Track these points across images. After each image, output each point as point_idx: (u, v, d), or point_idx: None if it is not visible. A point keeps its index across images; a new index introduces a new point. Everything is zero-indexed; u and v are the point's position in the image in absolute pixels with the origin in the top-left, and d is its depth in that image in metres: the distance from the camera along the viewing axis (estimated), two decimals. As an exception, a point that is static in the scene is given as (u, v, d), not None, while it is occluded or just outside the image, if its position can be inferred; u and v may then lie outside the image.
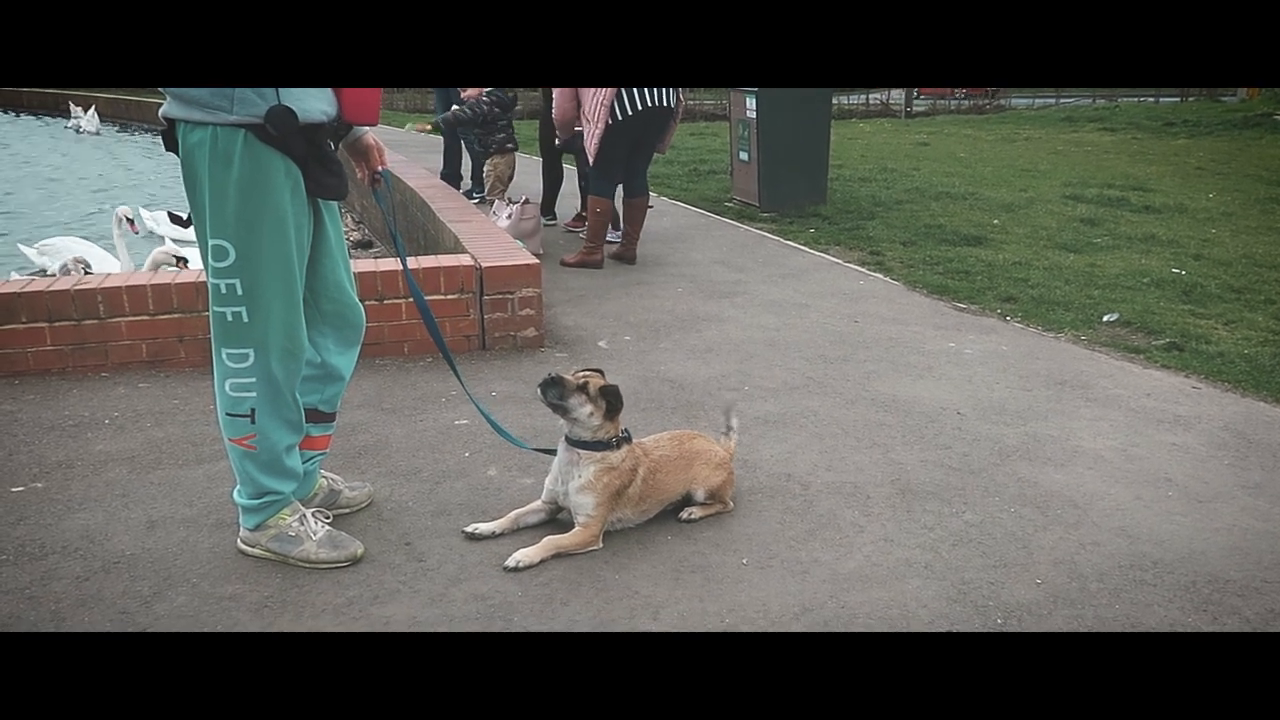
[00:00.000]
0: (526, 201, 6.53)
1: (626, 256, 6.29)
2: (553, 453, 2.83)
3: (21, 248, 7.17)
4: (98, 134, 18.01)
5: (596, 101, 5.73)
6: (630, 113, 5.75)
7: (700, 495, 2.87)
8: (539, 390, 2.67)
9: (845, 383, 4.06)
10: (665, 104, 5.87)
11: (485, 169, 6.86)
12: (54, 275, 5.26)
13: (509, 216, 6.27)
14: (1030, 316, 5.16)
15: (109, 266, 6.03)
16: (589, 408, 2.66)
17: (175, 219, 7.26)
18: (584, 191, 7.39)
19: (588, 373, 2.74)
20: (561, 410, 2.67)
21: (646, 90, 5.75)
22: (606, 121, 5.73)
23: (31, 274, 6.12)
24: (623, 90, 5.69)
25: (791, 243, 7.05)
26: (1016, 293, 5.60)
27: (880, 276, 6.06)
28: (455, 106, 7.15)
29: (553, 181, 7.64)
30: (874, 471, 3.21)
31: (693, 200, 8.98)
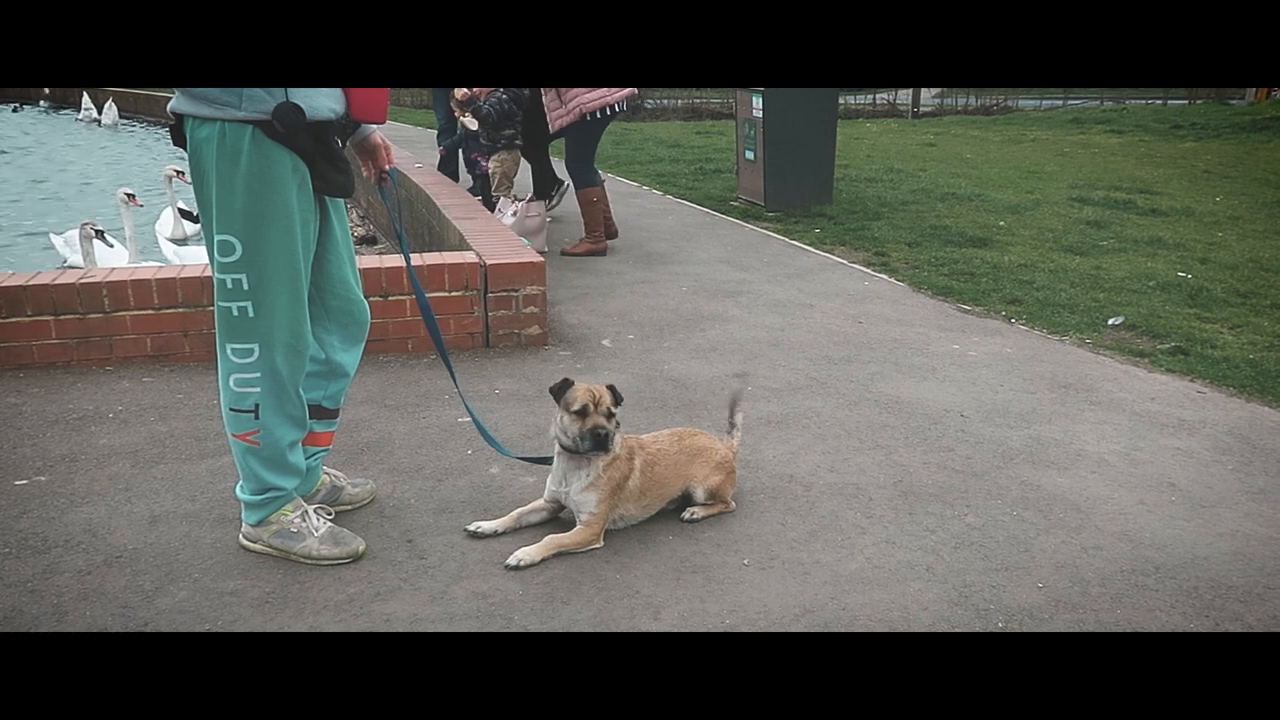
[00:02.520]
0: (531, 199, 6.53)
1: (579, 251, 6.50)
2: (541, 461, 2.89)
3: (53, 237, 7.30)
4: (115, 128, 18.05)
5: (578, 94, 6.03)
6: (610, 114, 6.20)
7: (700, 494, 2.87)
8: (592, 444, 2.63)
9: (849, 384, 4.05)
10: (625, 107, 6.42)
11: (491, 165, 6.84)
12: (74, 266, 5.29)
13: (514, 214, 6.27)
14: (1035, 319, 5.14)
15: (120, 255, 6.06)
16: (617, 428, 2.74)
17: (185, 214, 7.26)
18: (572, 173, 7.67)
19: (596, 391, 2.68)
20: (604, 446, 2.67)
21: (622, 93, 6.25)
22: (584, 117, 6.07)
23: (63, 266, 6.21)
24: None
25: (796, 242, 7.05)
26: (1022, 295, 5.59)
27: (885, 277, 6.05)
28: (459, 99, 7.09)
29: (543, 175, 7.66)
30: (876, 473, 3.20)
31: (698, 199, 8.97)
